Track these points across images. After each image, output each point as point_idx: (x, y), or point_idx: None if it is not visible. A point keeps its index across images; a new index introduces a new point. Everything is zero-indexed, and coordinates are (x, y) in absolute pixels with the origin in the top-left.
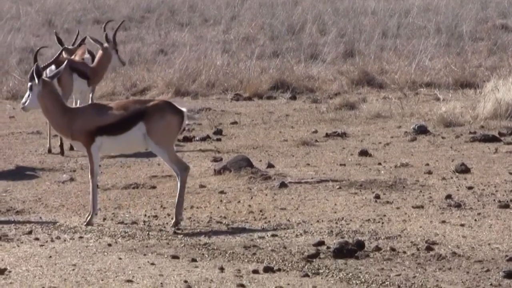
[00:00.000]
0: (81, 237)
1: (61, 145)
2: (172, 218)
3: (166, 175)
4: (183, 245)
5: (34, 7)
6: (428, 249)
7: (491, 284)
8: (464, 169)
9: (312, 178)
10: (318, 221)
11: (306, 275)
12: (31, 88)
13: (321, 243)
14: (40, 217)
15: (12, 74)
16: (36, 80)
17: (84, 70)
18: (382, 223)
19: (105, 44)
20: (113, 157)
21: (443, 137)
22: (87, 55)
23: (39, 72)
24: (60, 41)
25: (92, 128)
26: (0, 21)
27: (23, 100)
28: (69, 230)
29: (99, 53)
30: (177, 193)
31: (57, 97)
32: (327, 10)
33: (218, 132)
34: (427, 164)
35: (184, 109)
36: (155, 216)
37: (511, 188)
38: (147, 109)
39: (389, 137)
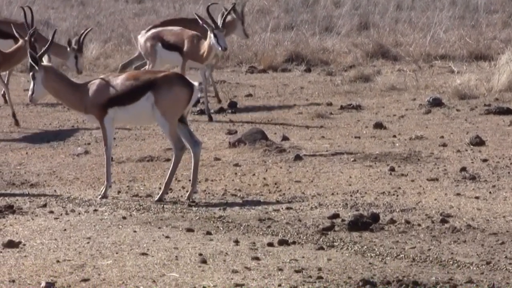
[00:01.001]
0: (95, 210)
1: (14, 115)
2: (186, 191)
3: None
4: (197, 218)
5: None
6: (443, 221)
7: (505, 257)
8: (478, 142)
9: (327, 151)
10: (332, 193)
11: (321, 248)
12: (34, 77)
13: (336, 215)
14: (55, 190)
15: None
16: (37, 67)
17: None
18: (397, 195)
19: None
20: (127, 129)
21: (457, 110)
22: None
23: (35, 59)
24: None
25: (104, 100)
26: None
27: (29, 92)
28: (83, 203)
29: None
30: (169, 171)
31: (62, 77)
32: None
33: (233, 104)
34: (442, 137)
35: (195, 83)
36: (170, 189)
37: None
38: (157, 79)
39: (403, 109)
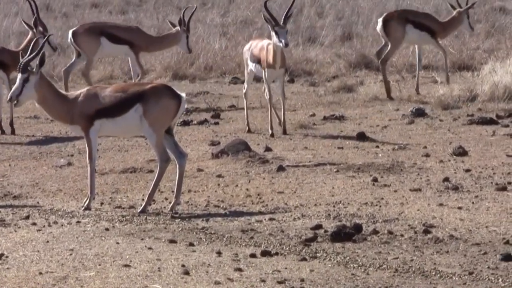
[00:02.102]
0: (78, 222)
1: None
2: (169, 202)
3: None
4: (180, 229)
5: None
6: (426, 232)
7: (488, 267)
8: (461, 152)
9: (309, 162)
10: (315, 204)
11: (304, 259)
12: (27, 80)
13: (318, 226)
14: (38, 202)
15: None
16: (36, 70)
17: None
18: (380, 206)
19: (177, 28)
20: (111, 141)
21: (440, 120)
22: None
23: (43, 61)
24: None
25: (91, 111)
26: None
27: (14, 92)
28: (66, 215)
29: (168, 34)
30: (153, 182)
31: (52, 85)
32: None
33: (216, 115)
34: (425, 147)
35: (183, 94)
36: (153, 201)
37: (508, 171)
38: (145, 91)
39: (387, 120)
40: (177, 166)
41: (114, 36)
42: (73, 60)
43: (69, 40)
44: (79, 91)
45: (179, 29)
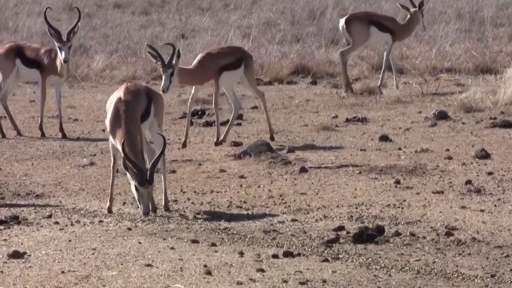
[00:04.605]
0: (100, 221)
1: (1, 130)
2: (192, 203)
3: (186, 159)
4: (203, 229)
5: None
6: (448, 234)
7: (510, 270)
8: (484, 155)
9: (332, 163)
10: (338, 206)
11: (326, 260)
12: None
13: (341, 228)
14: (60, 201)
15: None
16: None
17: (389, 25)
18: (402, 208)
19: (413, 9)
20: None
21: (463, 123)
22: None
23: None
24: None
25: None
26: (20, 5)
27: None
28: (89, 214)
29: (408, 17)
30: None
31: None
32: None
33: (239, 116)
34: (447, 150)
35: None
36: (175, 201)
37: None
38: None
39: (409, 122)
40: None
41: (382, 25)
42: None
43: (340, 27)
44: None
45: (416, 9)
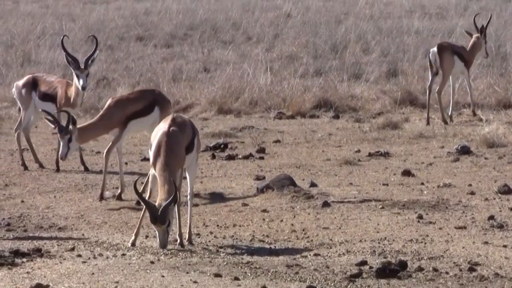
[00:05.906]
0: (123, 254)
1: (23, 162)
2: (214, 236)
3: (209, 193)
4: (225, 263)
5: (77, 23)
6: (471, 270)
7: None
8: (507, 190)
9: (355, 198)
10: (360, 240)
11: None
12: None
13: (363, 262)
14: (83, 234)
15: None
16: None
17: (461, 52)
18: (425, 243)
19: (476, 34)
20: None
21: (486, 158)
22: None
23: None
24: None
25: None
26: (42, 37)
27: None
28: (111, 247)
29: (471, 41)
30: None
31: None
32: (370, 30)
33: (261, 150)
34: (470, 185)
35: None
36: (198, 234)
37: None
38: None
39: (432, 157)
40: None
41: (460, 54)
42: (430, 78)
43: (431, 57)
44: None
45: (479, 35)
